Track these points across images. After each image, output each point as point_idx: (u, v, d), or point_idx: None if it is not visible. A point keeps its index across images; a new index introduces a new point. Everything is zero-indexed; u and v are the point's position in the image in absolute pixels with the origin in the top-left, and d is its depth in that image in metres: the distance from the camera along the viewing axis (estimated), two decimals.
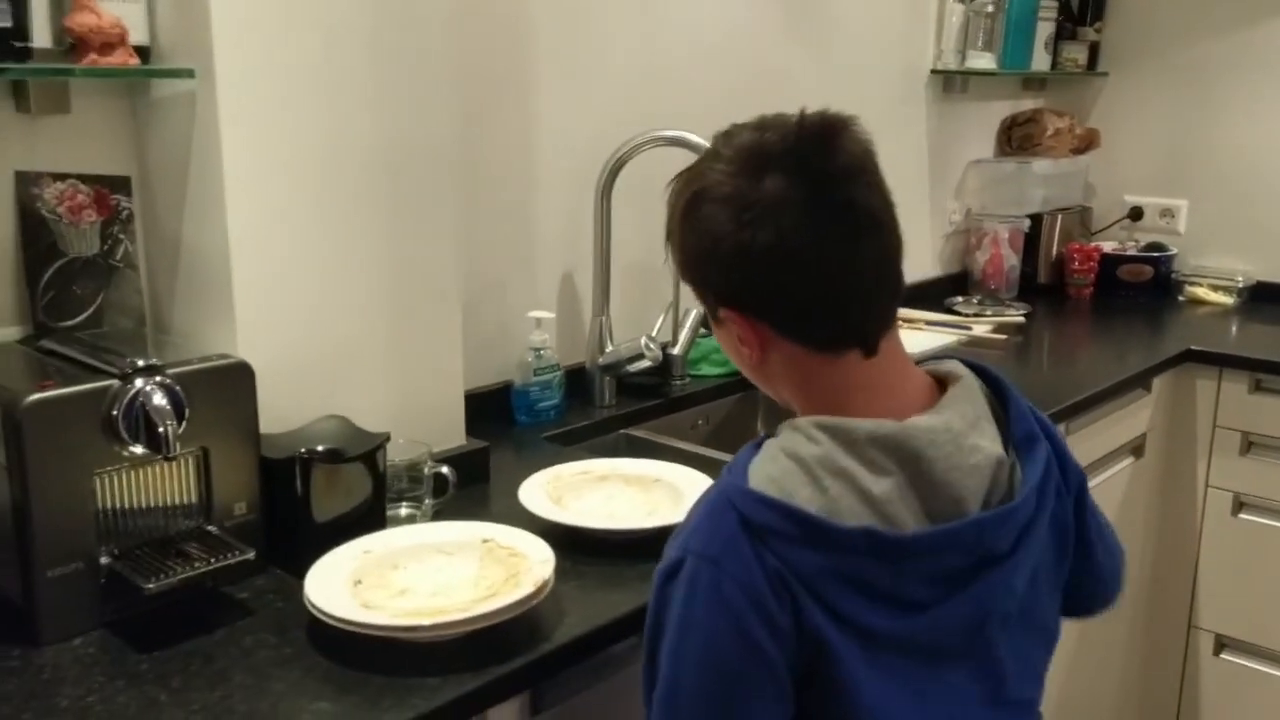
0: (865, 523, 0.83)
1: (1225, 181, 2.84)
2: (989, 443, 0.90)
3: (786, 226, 0.86)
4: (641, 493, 1.44)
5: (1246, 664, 2.43)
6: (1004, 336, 2.40)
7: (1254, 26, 2.77)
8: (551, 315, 1.79)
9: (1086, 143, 2.93)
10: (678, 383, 2.00)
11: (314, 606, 1.08)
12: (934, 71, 2.64)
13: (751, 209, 0.87)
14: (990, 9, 2.64)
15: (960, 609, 0.86)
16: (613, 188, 1.82)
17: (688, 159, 1.88)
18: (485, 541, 1.22)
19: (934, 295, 2.73)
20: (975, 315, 2.58)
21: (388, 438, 1.28)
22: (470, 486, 1.49)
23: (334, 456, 1.24)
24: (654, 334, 1.89)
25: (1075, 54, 2.93)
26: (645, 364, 1.83)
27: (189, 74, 1.22)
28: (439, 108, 1.41)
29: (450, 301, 1.47)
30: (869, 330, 0.90)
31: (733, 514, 0.84)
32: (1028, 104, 3.03)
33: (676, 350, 1.97)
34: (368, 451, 1.26)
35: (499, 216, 1.78)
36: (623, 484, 1.46)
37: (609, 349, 1.86)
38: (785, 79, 2.26)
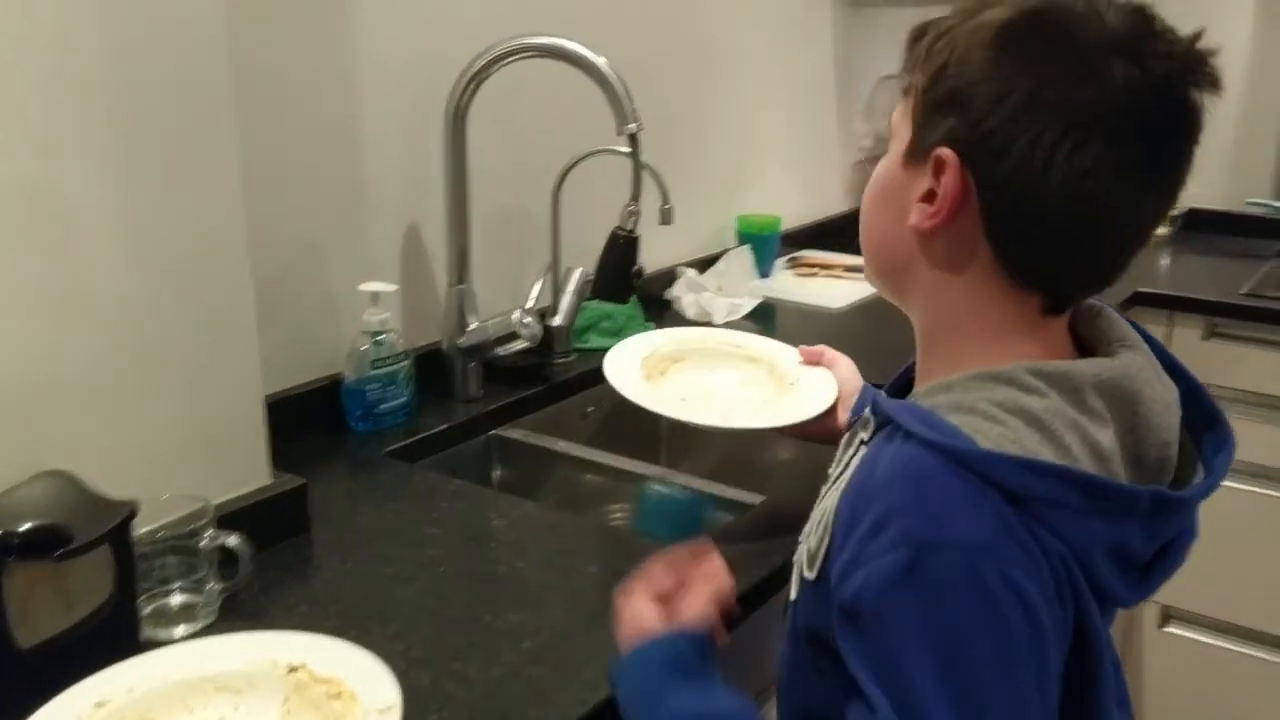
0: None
1: None
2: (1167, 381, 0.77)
3: (1109, 122, 0.69)
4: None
5: (1193, 636, 2.20)
6: None
7: None
8: (393, 287, 1.34)
9: None
10: (560, 361, 1.58)
11: None
12: None
13: (1078, 88, 0.68)
14: None
15: (1162, 575, 0.75)
16: (467, 114, 1.37)
17: (565, 75, 1.47)
18: (293, 671, 0.79)
19: (845, 232, 2.37)
20: None
21: (134, 509, 0.84)
22: (283, 546, 1.05)
23: (46, 545, 0.79)
24: (530, 305, 1.47)
25: None
26: (521, 345, 1.41)
27: None
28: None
29: (237, 280, 1.02)
30: (1071, 289, 0.76)
31: (989, 488, 0.66)
32: (936, 11, 2.67)
33: (559, 320, 1.55)
34: (103, 534, 0.81)
35: (313, 158, 1.31)
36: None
37: (472, 326, 1.43)
38: None
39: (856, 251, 1.77)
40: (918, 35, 0.76)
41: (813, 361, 1.22)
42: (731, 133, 2.03)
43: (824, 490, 0.82)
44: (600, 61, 1.30)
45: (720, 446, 1.60)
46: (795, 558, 0.80)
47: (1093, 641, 0.70)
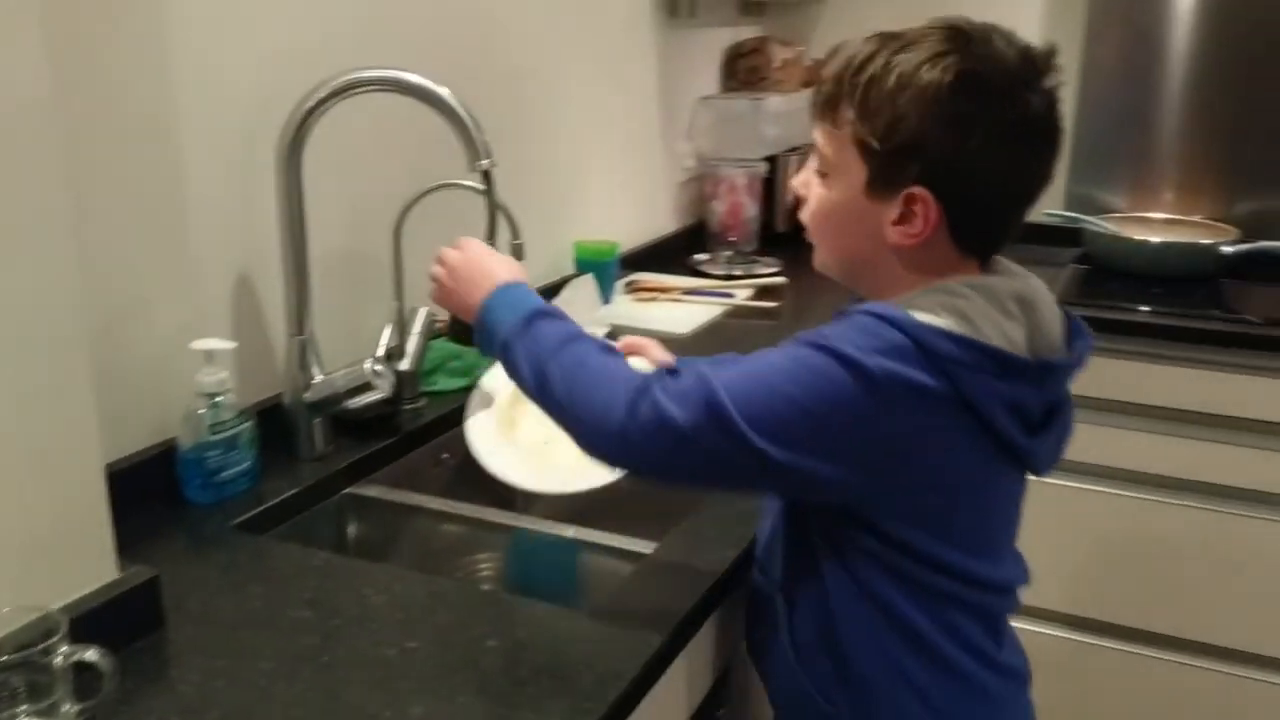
0: None
1: None
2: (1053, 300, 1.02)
3: (1032, 147, 0.95)
4: None
5: (1035, 629, 2.21)
6: (774, 304, 2.06)
7: None
8: (230, 345, 1.23)
9: (816, 74, 2.65)
10: (410, 408, 1.49)
11: None
12: None
13: (1009, 116, 0.92)
14: None
15: (1055, 437, 0.99)
16: (302, 152, 1.27)
17: (399, 108, 1.40)
18: None
19: (674, 252, 2.36)
20: (727, 277, 2.23)
21: None
22: (137, 648, 0.93)
23: None
24: (381, 353, 1.38)
25: None
26: (375, 397, 1.31)
27: None
28: (23, 43, 0.83)
29: (70, 349, 0.90)
30: (996, 249, 1.00)
31: (907, 339, 0.89)
32: (746, 31, 2.71)
33: (405, 365, 1.46)
34: None
35: (132, 205, 1.18)
36: None
37: (317, 379, 1.33)
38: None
39: (687, 272, 1.88)
40: (841, 82, 0.96)
41: (630, 352, 1.29)
42: (561, 157, 1.98)
43: None
44: (444, 93, 1.24)
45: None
46: None
47: (970, 466, 0.94)
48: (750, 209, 2.43)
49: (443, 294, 1.14)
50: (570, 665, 0.92)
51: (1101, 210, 2.50)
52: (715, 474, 0.93)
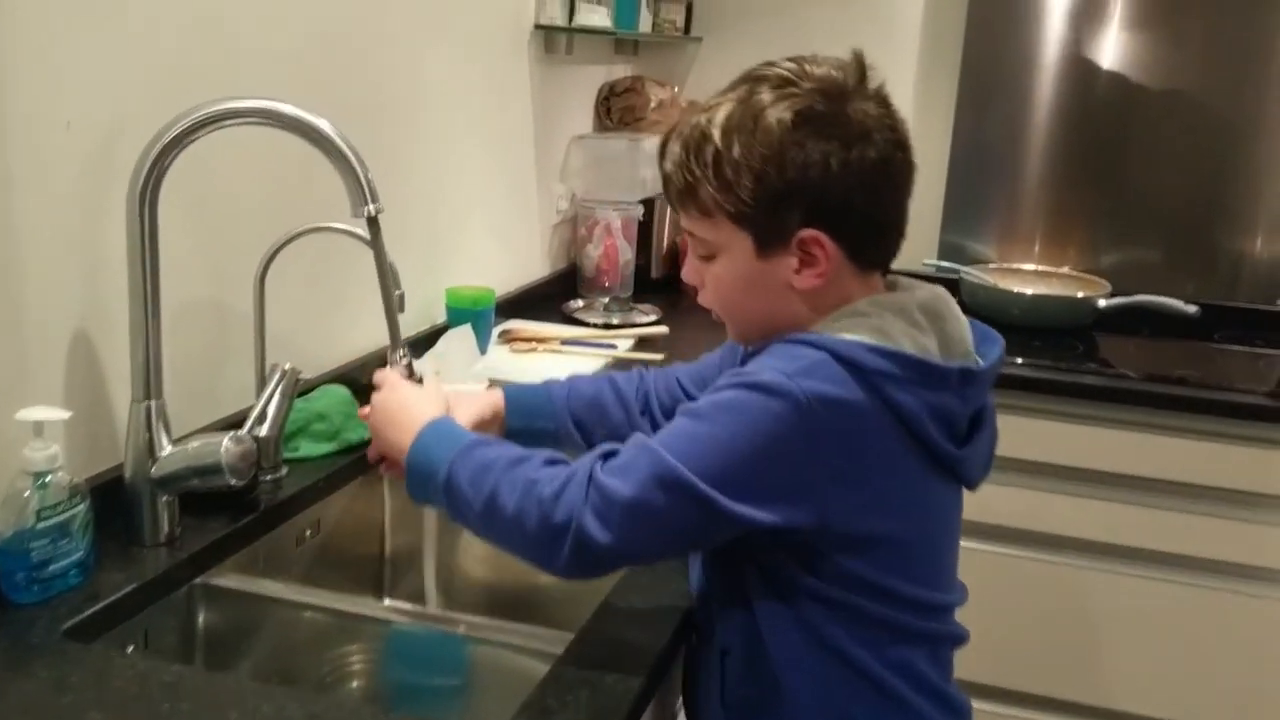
0: None
1: None
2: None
3: (883, 147, 0.95)
4: None
5: None
6: (659, 356, 1.95)
7: None
8: (63, 415, 1.04)
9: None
10: (270, 479, 1.32)
11: None
12: (538, 26, 2.12)
13: (854, 128, 0.94)
14: None
15: (982, 445, 1.01)
16: (159, 189, 1.09)
17: (270, 140, 1.23)
18: None
19: (547, 299, 2.24)
20: (605, 325, 2.12)
21: None
22: None
23: None
24: (256, 416, 1.21)
25: (673, 15, 2.55)
26: (223, 482, 1.13)
27: None
28: None
29: None
30: (894, 255, 1.02)
31: (838, 364, 0.89)
32: (620, 70, 2.62)
33: (264, 430, 1.29)
34: None
35: None
36: None
37: (165, 451, 1.15)
38: (369, 23, 1.61)
39: (561, 320, 1.93)
40: (687, 170, 0.97)
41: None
42: (429, 197, 1.83)
43: None
44: (325, 126, 1.10)
45: (456, 572, 1.43)
46: None
47: (910, 482, 0.95)
48: (626, 253, 2.33)
49: (376, 440, 1.14)
50: None
51: (973, 261, 2.51)
52: (672, 539, 0.92)
